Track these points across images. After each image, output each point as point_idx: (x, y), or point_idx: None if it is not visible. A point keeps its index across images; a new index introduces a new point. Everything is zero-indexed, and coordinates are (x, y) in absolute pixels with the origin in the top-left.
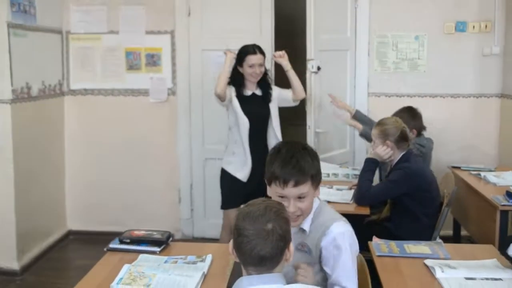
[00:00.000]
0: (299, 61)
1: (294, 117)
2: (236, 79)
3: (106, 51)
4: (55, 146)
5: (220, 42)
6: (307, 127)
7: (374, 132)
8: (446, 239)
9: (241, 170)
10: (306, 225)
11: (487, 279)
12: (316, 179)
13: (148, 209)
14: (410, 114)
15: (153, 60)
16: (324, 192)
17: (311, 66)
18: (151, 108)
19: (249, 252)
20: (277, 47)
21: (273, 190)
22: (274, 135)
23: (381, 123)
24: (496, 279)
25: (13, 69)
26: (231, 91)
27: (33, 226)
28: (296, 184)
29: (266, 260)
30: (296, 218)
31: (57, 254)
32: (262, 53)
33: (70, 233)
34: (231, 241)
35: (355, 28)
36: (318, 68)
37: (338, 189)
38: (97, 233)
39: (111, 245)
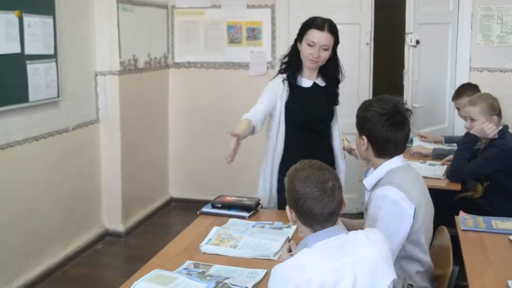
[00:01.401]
0: (398, 35)
1: (389, 92)
2: (293, 61)
3: (209, 24)
4: (160, 116)
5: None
6: (404, 101)
7: (475, 110)
8: None
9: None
10: (368, 182)
11: None
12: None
13: (245, 178)
14: (474, 91)
15: (253, 33)
16: (417, 167)
17: (409, 39)
18: (251, 81)
19: (321, 212)
20: (377, 20)
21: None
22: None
23: (482, 98)
24: None
25: (121, 42)
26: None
27: (137, 192)
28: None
29: (334, 215)
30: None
31: (159, 219)
32: (334, 32)
33: (172, 200)
34: (288, 208)
35: (458, 0)
36: (417, 42)
37: (431, 164)
38: (197, 201)
39: (204, 209)
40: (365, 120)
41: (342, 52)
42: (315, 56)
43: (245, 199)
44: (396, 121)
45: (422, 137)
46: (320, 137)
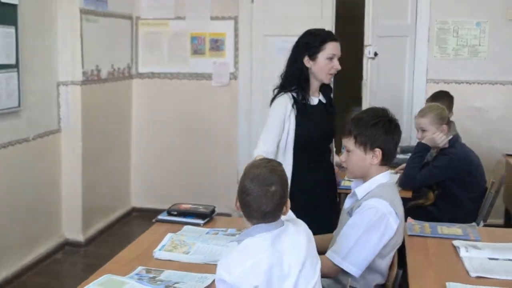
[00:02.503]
0: (357, 47)
1: (347, 103)
2: (303, 80)
3: (173, 36)
4: (122, 126)
5: (282, 28)
6: None
7: (425, 120)
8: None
9: None
10: (360, 192)
11: (510, 260)
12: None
13: (207, 188)
14: (448, 99)
15: (216, 45)
16: None
17: (368, 52)
18: (214, 91)
19: (256, 209)
20: (337, 33)
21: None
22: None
23: (431, 109)
24: None
25: (84, 53)
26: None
27: (98, 202)
28: None
29: (268, 215)
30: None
31: (120, 229)
32: None
33: (133, 210)
34: (236, 198)
35: (416, 14)
36: (375, 54)
37: None
38: (159, 210)
39: (160, 217)
40: (378, 133)
41: None
42: (339, 68)
43: (200, 207)
44: (398, 128)
45: None
46: (323, 155)
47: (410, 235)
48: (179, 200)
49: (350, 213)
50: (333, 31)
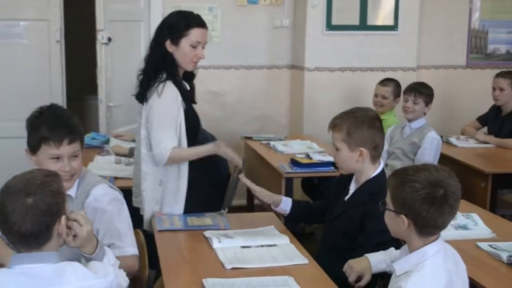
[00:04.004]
0: (89, 32)
1: (83, 91)
2: (168, 64)
3: None
4: None
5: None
6: (99, 101)
7: None
8: (240, 209)
9: None
10: (72, 191)
11: (262, 246)
12: (82, 138)
13: None
14: None
15: None
16: (112, 168)
17: (101, 37)
18: None
19: (9, 230)
20: (66, 17)
21: (42, 155)
22: None
23: None
24: (271, 246)
25: None
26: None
27: None
28: (70, 142)
29: (29, 238)
30: (69, 178)
31: None
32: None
33: None
34: None
35: None
36: (109, 39)
37: (127, 164)
38: None
39: None
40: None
41: (29, 51)
42: (203, 57)
43: None
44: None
45: (119, 136)
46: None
47: (160, 231)
48: None
49: None
50: (62, 16)
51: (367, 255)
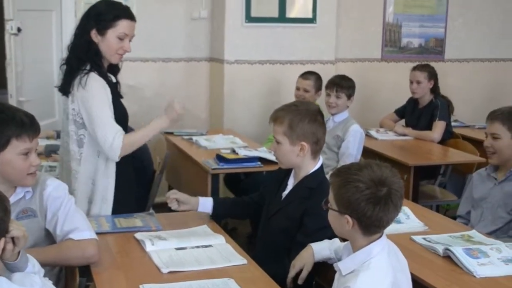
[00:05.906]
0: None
1: None
2: (93, 54)
3: None
4: None
5: None
6: (9, 96)
7: None
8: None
9: None
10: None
11: (197, 247)
12: None
13: None
14: None
15: None
16: None
17: (10, 27)
18: None
19: None
20: None
21: (10, 153)
22: None
23: None
24: (206, 246)
25: None
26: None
27: None
28: (38, 134)
29: None
30: (35, 173)
31: None
32: None
33: None
34: None
35: None
36: (19, 30)
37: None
38: None
39: None
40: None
41: None
42: (129, 50)
43: None
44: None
45: None
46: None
47: None
48: None
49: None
50: None
51: (311, 244)
